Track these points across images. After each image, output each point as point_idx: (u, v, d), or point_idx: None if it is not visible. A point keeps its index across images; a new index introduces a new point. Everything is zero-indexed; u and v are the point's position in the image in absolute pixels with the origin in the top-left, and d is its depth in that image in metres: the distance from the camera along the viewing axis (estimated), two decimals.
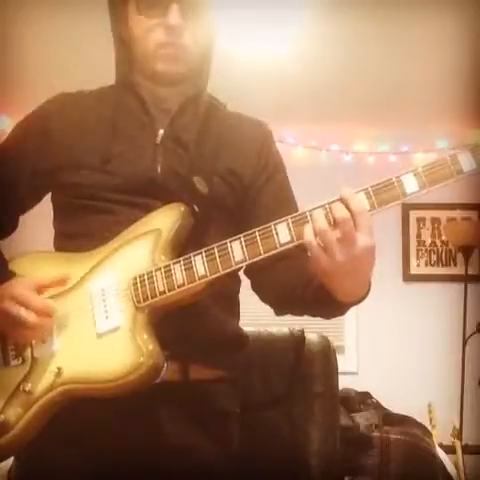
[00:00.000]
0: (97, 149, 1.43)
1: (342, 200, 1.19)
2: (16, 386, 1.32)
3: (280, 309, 1.49)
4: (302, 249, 1.25)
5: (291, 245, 1.23)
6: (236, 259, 1.25)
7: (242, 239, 1.25)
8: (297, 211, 1.28)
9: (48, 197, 1.55)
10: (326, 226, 1.18)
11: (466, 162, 1.18)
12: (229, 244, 1.26)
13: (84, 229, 1.43)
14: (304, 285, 1.35)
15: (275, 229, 1.24)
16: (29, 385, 1.31)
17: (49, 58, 3.65)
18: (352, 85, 3.97)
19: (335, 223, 1.18)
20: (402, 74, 3.87)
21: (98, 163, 1.41)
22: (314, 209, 1.21)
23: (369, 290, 1.31)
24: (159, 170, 1.42)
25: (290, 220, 1.23)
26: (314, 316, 1.43)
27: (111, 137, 1.44)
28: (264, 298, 1.50)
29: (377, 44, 3.59)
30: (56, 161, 1.46)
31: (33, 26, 3.33)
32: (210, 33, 1.48)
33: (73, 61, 3.57)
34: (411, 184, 1.19)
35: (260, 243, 1.24)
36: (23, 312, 1.30)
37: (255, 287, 1.51)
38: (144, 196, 1.40)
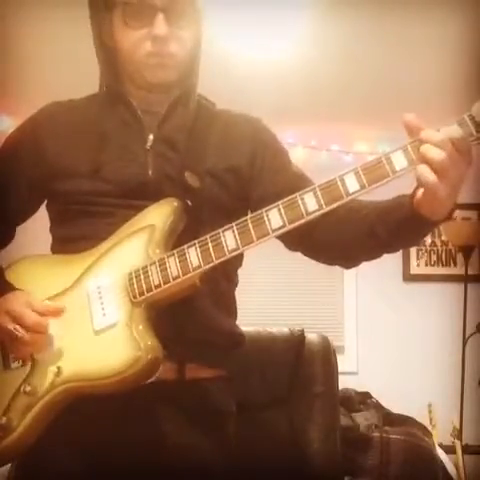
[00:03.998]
0: (87, 157, 1.44)
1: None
2: (17, 388, 1.33)
3: (354, 261, 1.46)
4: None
5: (284, 230, 1.24)
6: (229, 248, 1.26)
7: (234, 227, 1.27)
8: (310, 182, 1.31)
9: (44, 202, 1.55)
10: (444, 155, 1.15)
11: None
12: (222, 233, 1.27)
13: (82, 233, 1.43)
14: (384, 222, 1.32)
15: (267, 215, 1.25)
16: (30, 386, 1.31)
17: (49, 58, 3.64)
18: (352, 85, 3.97)
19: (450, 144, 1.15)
20: (402, 74, 3.87)
21: (89, 171, 1.42)
22: (304, 192, 1.22)
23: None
24: (150, 173, 1.43)
25: (281, 205, 1.24)
26: (396, 249, 1.39)
27: (101, 145, 1.45)
28: (332, 258, 1.47)
29: (377, 44, 3.58)
30: (49, 170, 1.47)
31: (33, 26, 3.33)
32: (197, 36, 1.48)
33: (72, 61, 3.56)
34: (400, 160, 1.20)
35: (252, 230, 1.25)
36: (19, 329, 1.32)
37: (316, 249, 1.47)
38: (138, 198, 1.41)
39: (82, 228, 1.43)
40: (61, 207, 1.48)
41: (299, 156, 4.48)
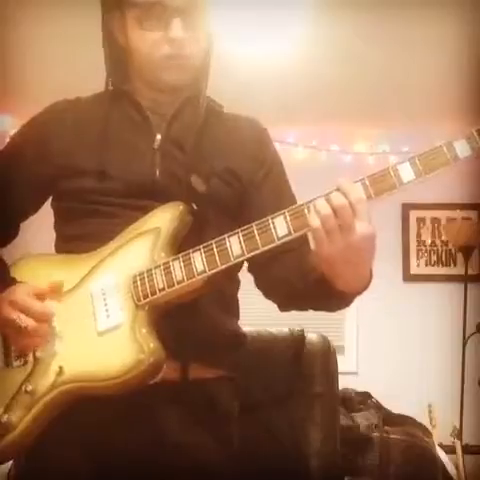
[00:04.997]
0: (94, 155, 1.43)
1: (340, 190, 1.20)
2: (18, 387, 1.33)
3: (284, 305, 1.50)
4: (302, 243, 1.27)
5: (289, 238, 1.24)
6: (234, 254, 1.27)
7: (240, 234, 1.27)
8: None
9: (49, 200, 1.55)
10: (330, 212, 1.19)
11: (461, 149, 1.19)
12: (227, 239, 1.28)
13: (86, 232, 1.43)
14: (305, 278, 1.36)
15: (272, 223, 1.25)
16: (31, 385, 1.32)
17: (49, 58, 3.65)
18: (352, 85, 3.97)
19: (335, 211, 1.19)
20: (402, 74, 3.87)
21: (96, 169, 1.42)
22: (311, 201, 1.23)
23: (370, 279, 1.31)
24: (158, 174, 1.43)
25: (287, 213, 1.25)
26: (317, 309, 1.43)
27: (108, 144, 1.45)
28: (268, 294, 1.51)
29: (377, 44, 3.58)
30: (55, 168, 1.47)
31: (33, 26, 3.33)
32: (208, 37, 1.48)
33: (73, 61, 3.57)
34: (407, 172, 1.20)
35: (258, 237, 1.25)
36: (23, 318, 1.31)
37: (259, 284, 1.52)
38: (144, 199, 1.41)
39: (88, 227, 1.43)
40: (67, 205, 1.47)
41: (299, 156, 4.49)
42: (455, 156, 1.20)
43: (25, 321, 1.31)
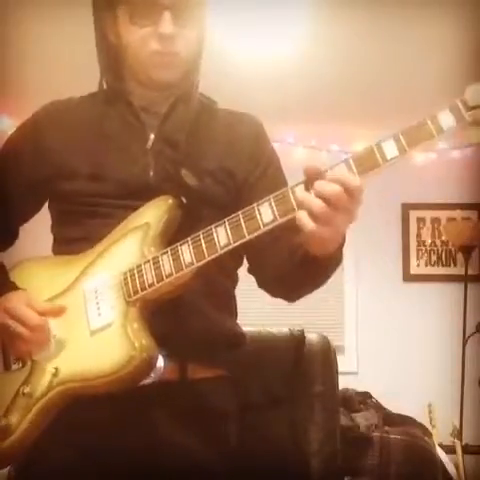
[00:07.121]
0: (89, 157, 1.43)
1: (322, 175, 1.19)
2: (16, 390, 1.33)
3: (275, 290, 1.50)
4: (287, 228, 1.25)
5: (275, 224, 1.22)
6: (221, 243, 1.25)
7: (226, 223, 1.26)
8: None
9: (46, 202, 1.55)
10: (323, 205, 1.17)
11: (446, 120, 1.17)
12: (214, 229, 1.26)
13: (83, 233, 1.43)
14: (293, 255, 1.35)
15: (258, 210, 1.23)
16: (28, 388, 1.32)
17: (48, 58, 3.65)
18: (352, 85, 3.97)
19: (328, 200, 1.17)
20: (402, 74, 3.87)
21: (90, 171, 1.42)
22: (295, 186, 1.21)
23: (344, 241, 1.29)
24: (151, 174, 1.43)
25: (272, 199, 1.23)
26: (306, 291, 1.44)
27: (102, 145, 1.45)
28: (260, 282, 1.51)
29: (377, 44, 3.58)
30: (50, 170, 1.46)
31: (33, 26, 3.33)
32: (201, 34, 1.47)
33: (72, 61, 3.56)
34: (391, 149, 1.19)
35: (244, 225, 1.24)
36: (18, 327, 1.32)
37: (252, 270, 1.52)
38: (139, 200, 1.40)
39: (84, 229, 1.43)
40: (63, 207, 1.47)
41: (299, 156, 4.48)
42: (439, 128, 1.16)
43: (20, 330, 1.32)
